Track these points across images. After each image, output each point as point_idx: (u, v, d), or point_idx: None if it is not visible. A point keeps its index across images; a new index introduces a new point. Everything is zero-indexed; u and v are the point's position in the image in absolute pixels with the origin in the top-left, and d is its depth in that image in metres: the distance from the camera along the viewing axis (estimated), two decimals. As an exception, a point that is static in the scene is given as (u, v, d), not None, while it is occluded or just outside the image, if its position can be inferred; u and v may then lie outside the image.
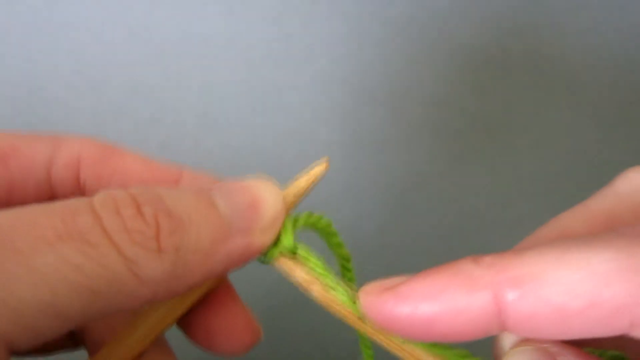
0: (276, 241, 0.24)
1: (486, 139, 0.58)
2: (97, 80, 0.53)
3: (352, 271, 0.28)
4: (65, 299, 0.19)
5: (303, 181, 0.26)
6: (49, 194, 0.27)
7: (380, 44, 0.55)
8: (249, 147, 0.56)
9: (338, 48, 0.55)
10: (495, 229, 0.61)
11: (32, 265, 0.19)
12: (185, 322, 0.26)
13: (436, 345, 0.23)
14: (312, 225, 0.26)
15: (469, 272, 0.21)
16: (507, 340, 0.23)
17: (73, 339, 0.29)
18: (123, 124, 0.54)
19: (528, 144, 0.59)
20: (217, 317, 0.26)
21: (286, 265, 0.24)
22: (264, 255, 0.24)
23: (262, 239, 0.24)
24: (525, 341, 0.22)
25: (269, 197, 0.24)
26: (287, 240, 0.24)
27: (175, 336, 0.26)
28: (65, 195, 0.27)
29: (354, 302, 0.23)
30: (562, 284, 0.20)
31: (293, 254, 0.24)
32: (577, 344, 0.24)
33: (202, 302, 0.26)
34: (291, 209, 0.25)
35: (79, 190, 0.28)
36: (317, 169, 0.26)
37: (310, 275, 0.24)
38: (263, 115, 0.56)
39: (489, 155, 0.58)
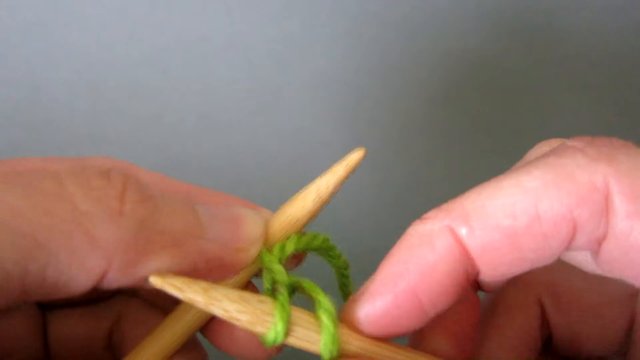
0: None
1: (486, 139, 0.58)
2: (97, 80, 0.53)
3: (349, 278, 0.27)
4: (1, 244, 0.17)
5: (341, 168, 0.25)
6: None
7: (380, 44, 0.55)
8: (249, 147, 0.56)
9: (338, 48, 0.55)
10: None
11: None
12: (207, 325, 0.25)
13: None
14: (305, 248, 0.25)
15: (421, 231, 0.22)
16: None
17: (114, 356, 0.28)
18: (123, 124, 0.54)
19: (528, 144, 0.59)
20: None
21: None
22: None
23: (237, 257, 0.23)
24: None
25: (250, 221, 0.23)
26: (281, 275, 0.23)
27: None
28: None
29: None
30: (502, 208, 0.21)
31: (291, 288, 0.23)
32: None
33: None
34: (327, 201, 0.25)
35: None
36: (355, 156, 0.25)
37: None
38: (263, 115, 0.56)
39: (489, 155, 0.58)
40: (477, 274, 0.23)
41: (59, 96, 0.53)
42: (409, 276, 0.22)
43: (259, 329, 0.22)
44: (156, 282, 0.20)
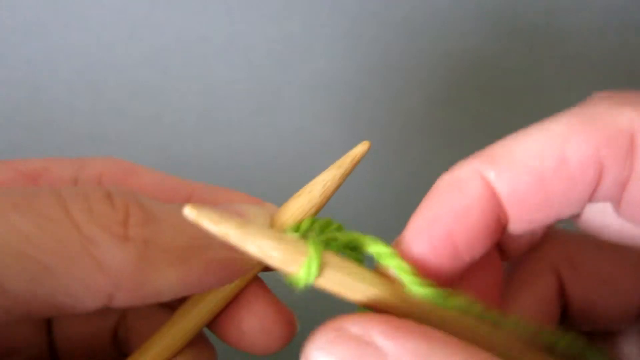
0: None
1: (486, 139, 0.58)
2: (97, 80, 0.53)
3: (358, 251, 0.25)
4: (10, 270, 0.18)
5: (347, 161, 0.25)
6: None
7: (380, 44, 0.55)
8: (249, 147, 0.56)
9: (338, 48, 0.55)
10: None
11: None
12: (214, 320, 0.25)
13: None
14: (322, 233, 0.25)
15: (450, 177, 0.23)
16: None
17: (120, 352, 0.28)
18: (123, 124, 0.54)
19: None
20: (248, 314, 0.25)
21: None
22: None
23: (244, 258, 0.22)
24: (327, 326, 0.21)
25: (254, 217, 0.23)
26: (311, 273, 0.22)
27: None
28: None
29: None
30: (530, 151, 0.22)
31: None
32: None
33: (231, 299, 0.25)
34: (332, 194, 0.25)
35: None
36: (359, 149, 0.25)
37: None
38: (263, 115, 0.56)
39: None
40: (507, 222, 0.23)
41: (59, 96, 0.53)
42: (444, 220, 0.22)
43: (291, 267, 0.21)
44: (191, 214, 0.20)
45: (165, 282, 0.20)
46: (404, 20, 0.55)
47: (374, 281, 0.22)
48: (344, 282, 0.22)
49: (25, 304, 0.18)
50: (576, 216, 0.27)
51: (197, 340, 0.25)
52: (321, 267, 0.21)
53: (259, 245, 0.21)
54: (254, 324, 0.25)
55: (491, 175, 0.22)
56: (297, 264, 0.21)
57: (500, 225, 0.23)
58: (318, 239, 0.22)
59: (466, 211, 0.22)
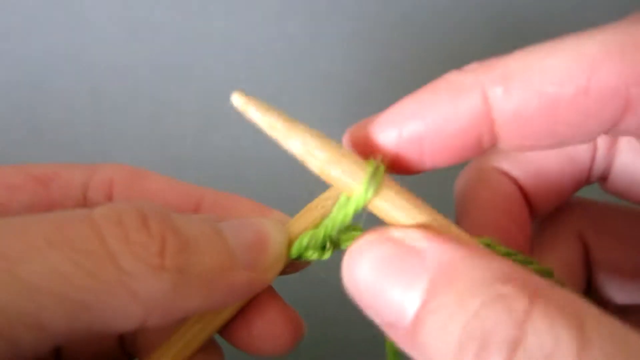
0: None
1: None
2: (97, 80, 0.53)
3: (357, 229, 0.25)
4: (49, 311, 0.18)
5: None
6: None
7: (381, 44, 0.55)
8: (249, 148, 0.56)
9: (338, 48, 0.55)
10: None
11: (16, 272, 0.17)
12: (225, 326, 0.25)
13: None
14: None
15: (453, 79, 0.21)
16: None
17: (125, 352, 0.28)
18: (123, 124, 0.54)
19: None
20: (256, 318, 0.25)
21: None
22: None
23: (264, 278, 0.23)
24: (370, 231, 0.21)
25: (273, 239, 0.23)
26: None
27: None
28: None
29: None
30: (551, 72, 0.19)
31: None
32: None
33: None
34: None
35: None
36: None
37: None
38: (263, 115, 0.56)
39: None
40: (494, 143, 0.21)
41: (59, 96, 0.53)
42: (421, 121, 0.21)
43: (333, 171, 0.20)
44: (238, 102, 0.20)
45: (193, 305, 0.21)
46: (404, 20, 0.55)
47: (425, 210, 0.21)
48: (400, 204, 0.21)
49: (62, 337, 0.19)
50: (603, 179, 0.26)
51: (206, 344, 0.25)
52: (379, 186, 0.20)
53: (305, 142, 0.20)
54: (264, 328, 0.25)
55: (497, 92, 0.20)
56: (338, 167, 0.20)
57: (480, 145, 0.21)
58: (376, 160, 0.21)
59: (446, 122, 0.20)
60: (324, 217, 0.24)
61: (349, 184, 0.21)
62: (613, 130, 0.20)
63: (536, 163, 0.26)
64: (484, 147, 0.22)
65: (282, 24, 0.53)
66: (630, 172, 0.25)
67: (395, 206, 0.21)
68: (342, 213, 0.22)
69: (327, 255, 0.24)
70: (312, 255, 0.24)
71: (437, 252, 0.19)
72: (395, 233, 0.20)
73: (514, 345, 0.16)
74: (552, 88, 0.19)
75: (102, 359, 0.28)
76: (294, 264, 0.25)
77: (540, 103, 0.19)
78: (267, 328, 0.25)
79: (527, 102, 0.19)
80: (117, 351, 0.28)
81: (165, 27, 0.52)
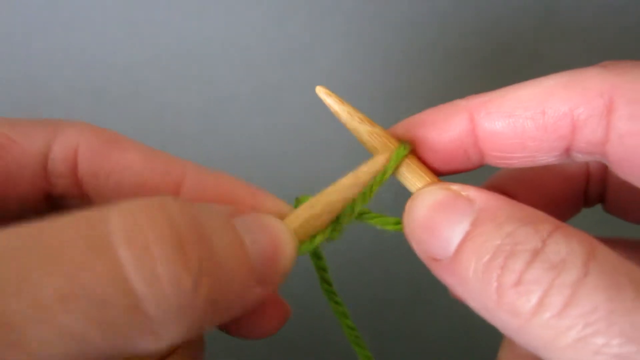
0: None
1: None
2: (98, 80, 0.53)
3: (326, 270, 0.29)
4: None
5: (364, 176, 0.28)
6: (45, 187, 0.26)
7: (380, 44, 0.55)
8: (249, 147, 0.56)
9: (338, 48, 0.55)
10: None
11: (23, 343, 0.15)
12: None
13: None
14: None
15: (453, 102, 0.27)
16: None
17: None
18: (123, 124, 0.54)
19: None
20: None
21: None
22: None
23: (270, 289, 0.22)
24: (431, 183, 0.27)
25: (286, 248, 0.23)
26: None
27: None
28: (62, 188, 0.26)
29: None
30: (519, 99, 0.25)
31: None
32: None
33: None
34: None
35: (76, 184, 0.26)
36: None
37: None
38: (263, 115, 0.56)
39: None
40: (481, 159, 0.27)
41: (59, 96, 0.53)
42: (422, 129, 0.27)
43: (378, 154, 0.27)
44: (321, 93, 0.28)
45: (213, 324, 0.20)
46: (404, 20, 0.55)
47: (433, 179, 0.27)
48: (422, 171, 0.27)
49: None
50: (602, 201, 0.32)
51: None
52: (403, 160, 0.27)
53: (371, 129, 0.28)
54: (252, 314, 0.25)
55: (480, 115, 0.26)
56: (385, 152, 0.27)
57: (467, 156, 0.27)
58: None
59: (438, 134, 0.27)
60: (323, 213, 0.25)
61: (389, 147, 0.28)
62: (571, 150, 0.25)
63: (533, 182, 0.31)
64: (472, 160, 0.27)
65: (282, 24, 0.53)
66: (624, 193, 0.30)
67: (418, 174, 0.27)
68: (382, 173, 0.28)
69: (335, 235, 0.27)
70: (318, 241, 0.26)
71: (484, 198, 0.23)
72: (454, 186, 0.25)
73: (536, 252, 0.20)
74: (519, 111, 0.25)
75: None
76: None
77: (510, 122, 0.25)
78: (255, 314, 0.25)
79: (501, 122, 0.25)
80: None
81: (165, 27, 0.52)
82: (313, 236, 0.25)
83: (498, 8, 0.55)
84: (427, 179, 0.27)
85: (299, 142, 0.57)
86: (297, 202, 0.27)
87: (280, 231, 0.23)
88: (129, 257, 0.16)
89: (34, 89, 0.52)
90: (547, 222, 0.22)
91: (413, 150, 0.28)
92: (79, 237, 0.16)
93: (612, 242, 0.30)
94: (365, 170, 0.27)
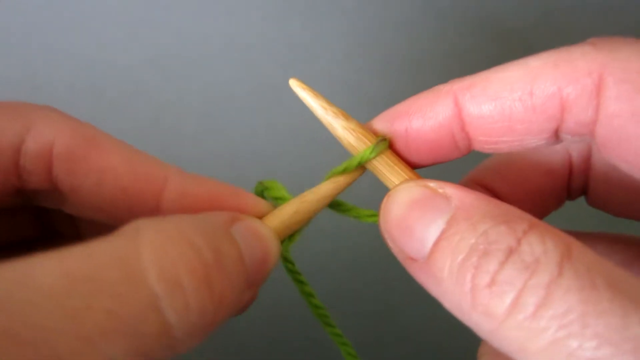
0: None
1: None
2: (97, 80, 0.53)
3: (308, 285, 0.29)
4: None
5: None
6: (17, 184, 0.25)
7: (380, 44, 0.55)
8: (250, 147, 0.56)
9: (338, 48, 0.55)
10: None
11: None
12: None
13: None
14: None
15: (434, 88, 0.27)
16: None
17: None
18: (123, 125, 0.54)
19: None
20: None
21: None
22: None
23: (257, 290, 0.24)
24: (406, 180, 0.26)
25: (273, 255, 0.24)
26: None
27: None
28: (35, 184, 0.25)
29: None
30: (504, 81, 0.24)
31: None
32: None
33: None
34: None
35: (50, 180, 0.25)
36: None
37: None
38: (263, 115, 0.56)
39: (488, 155, 0.58)
40: (469, 145, 0.26)
41: (59, 96, 0.53)
42: (406, 118, 0.26)
43: (355, 144, 0.27)
44: (294, 86, 0.28)
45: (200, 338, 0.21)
46: (404, 20, 0.55)
47: (410, 175, 0.27)
48: (398, 168, 0.27)
49: None
50: (585, 194, 0.31)
51: None
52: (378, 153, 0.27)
53: (346, 123, 0.28)
54: None
55: (465, 98, 0.25)
56: (362, 145, 0.27)
57: (454, 142, 0.26)
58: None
59: (424, 121, 0.26)
60: (297, 212, 0.26)
61: (365, 142, 0.27)
62: (560, 131, 0.24)
63: (515, 176, 0.30)
64: (459, 146, 0.26)
65: (282, 24, 0.53)
66: (606, 185, 0.29)
67: (394, 170, 0.27)
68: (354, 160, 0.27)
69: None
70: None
71: (461, 195, 0.23)
72: (431, 183, 0.24)
73: (510, 252, 0.20)
74: (505, 93, 0.24)
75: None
76: None
77: (497, 105, 0.24)
78: None
79: (487, 104, 0.25)
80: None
81: (165, 27, 0.52)
82: (288, 238, 0.27)
83: (498, 8, 0.55)
84: (404, 175, 0.26)
85: (298, 141, 0.57)
86: (259, 186, 0.28)
87: (269, 239, 0.24)
88: (162, 291, 0.18)
89: (34, 89, 0.52)
90: (522, 220, 0.21)
91: (390, 144, 0.27)
92: (116, 274, 0.18)
93: (594, 237, 0.30)
94: (345, 179, 0.27)
